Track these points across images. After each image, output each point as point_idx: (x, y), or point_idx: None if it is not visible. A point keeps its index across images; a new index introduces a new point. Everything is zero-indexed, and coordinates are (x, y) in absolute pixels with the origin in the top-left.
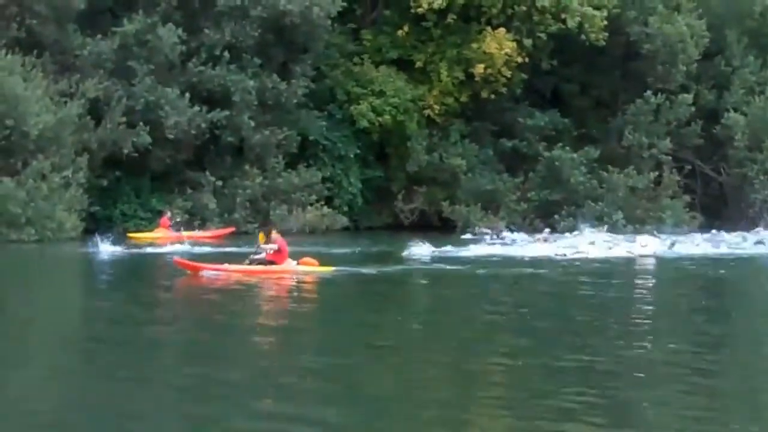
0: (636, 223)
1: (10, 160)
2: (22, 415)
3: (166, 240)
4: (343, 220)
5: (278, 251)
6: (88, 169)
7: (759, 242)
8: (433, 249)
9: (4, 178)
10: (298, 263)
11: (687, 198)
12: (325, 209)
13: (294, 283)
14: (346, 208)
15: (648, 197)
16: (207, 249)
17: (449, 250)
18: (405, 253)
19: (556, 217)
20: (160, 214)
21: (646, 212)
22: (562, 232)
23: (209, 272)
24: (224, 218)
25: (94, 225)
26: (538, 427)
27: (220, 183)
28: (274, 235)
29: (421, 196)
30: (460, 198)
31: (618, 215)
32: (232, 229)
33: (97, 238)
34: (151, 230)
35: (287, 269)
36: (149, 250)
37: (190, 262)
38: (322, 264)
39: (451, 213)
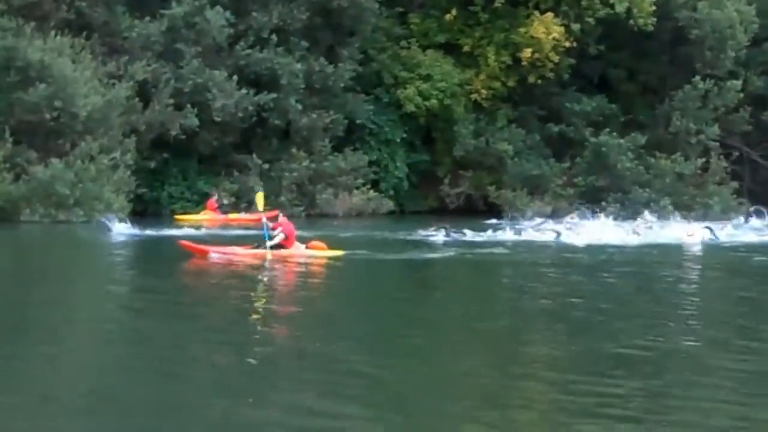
0: (683, 209)
1: (58, 141)
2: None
3: (213, 222)
4: (389, 204)
5: (285, 237)
6: (135, 150)
7: None
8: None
9: (52, 159)
10: (306, 247)
11: (734, 184)
12: (371, 193)
13: (304, 268)
14: (392, 192)
15: (695, 184)
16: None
17: (474, 235)
18: (422, 235)
19: (602, 203)
20: (207, 196)
21: (693, 199)
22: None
23: (216, 255)
24: (270, 201)
25: (142, 206)
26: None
27: (266, 166)
28: (281, 218)
29: (467, 180)
30: (506, 183)
31: (665, 201)
32: (277, 212)
33: (108, 219)
34: (197, 212)
35: (295, 253)
36: (164, 231)
37: (197, 245)
38: (333, 247)
39: (497, 198)
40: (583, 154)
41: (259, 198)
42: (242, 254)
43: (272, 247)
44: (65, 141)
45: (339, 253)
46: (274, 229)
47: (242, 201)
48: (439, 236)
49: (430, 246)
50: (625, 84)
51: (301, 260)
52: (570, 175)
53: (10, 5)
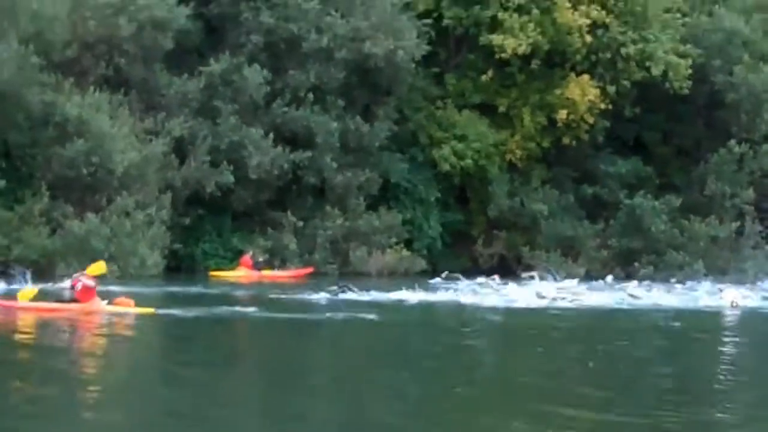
0: (717, 273)
1: (95, 196)
2: None
3: (248, 279)
4: (422, 264)
5: (82, 290)
6: (171, 207)
7: None
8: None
9: (88, 214)
10: (110, 303)
11: None
12: (405, 252)
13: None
14: (425, 252)
15: (730, 247)
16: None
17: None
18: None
19: (635, 265)
20: (241, 253)
21: (727, 262)
22: (642, 280)
23: None
24: (304, 258)
25: (176, 262)
26: None
27: (301, 223)
28: (85, 278)
29: (501, 240)
30: (540, 244)
31: (699, 265)
32: (311, 269)
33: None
34: (232, 269)
35: (97, 309)
36: None
37: None
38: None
39: (530, 259)
40: (617, 216)
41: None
42: (28, 307)
43: (69, 301)
44: (101, 196)
45: (149, 310)
46: (73, 285)
47: (276, 258)
48: (327, 295)
49: (307, 305)
50: (660, 146)
51: (104, 317)
52: (604, 237)
53: (50, 61)
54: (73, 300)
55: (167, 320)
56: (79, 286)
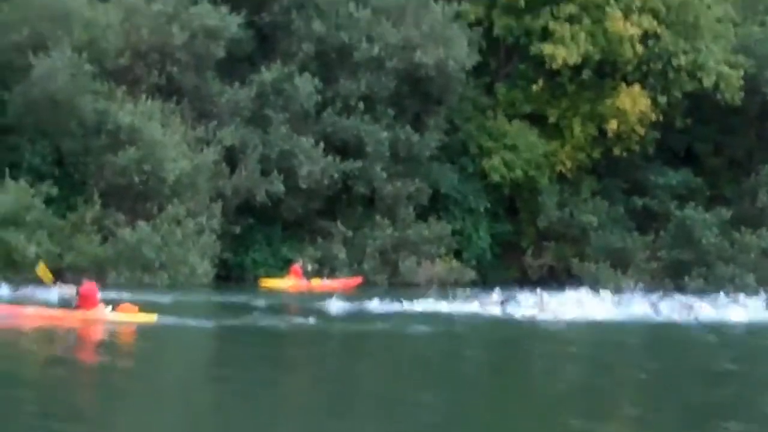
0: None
1: (146, 204)
2: None
3: (297, 288)
4: (471, 274)
5: (84, 296)
6: (221, 215)
7: None
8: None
9: (140, 222)
10: (114, 309)
11: None
12: (454, 262)
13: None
14: (474, 262)
15: None
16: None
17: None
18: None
19: (686, 278)
20: (291, 262)
21: None
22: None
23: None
24: (353, 268)
25: (226, 271)
26: None
27: (350, 233)
28: (86, 283)
29: (550, 252)
30: (589, 255)
31: (749, 278)
32: (360, 279)
33: None
34: (281, 278)
35: (101, 317)
36: None
37: None
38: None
39: (579, 270)
40: (668, 228)
41: (42, 270)
42: (32, 314)
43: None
44: (153, 204)
45: (151, 317)
46: (78, 294)
47: (325, 268)
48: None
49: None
50: (711, 158)
51: (107, 324)
52: (653, 249)
53: (102, 69)
54: (77, 306)
55: (221, 331)
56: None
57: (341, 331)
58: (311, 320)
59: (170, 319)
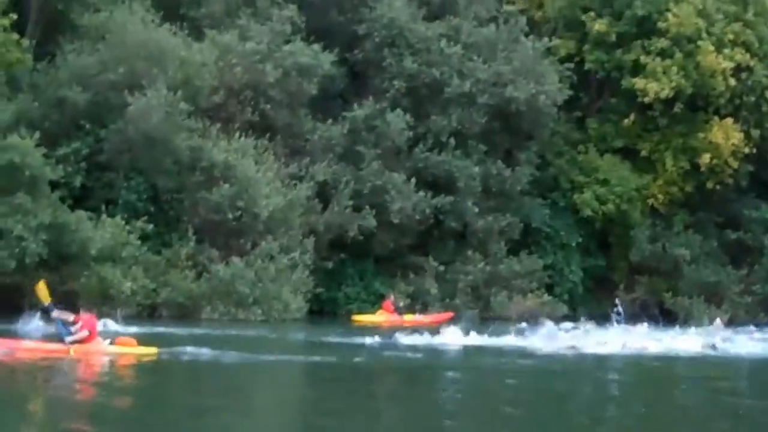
0: None
1: (240, 240)
2: None
3: (390, 323)
4: (563, 309)
5: (88, 333)
6: (314, 251)
7: None
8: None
9: (234, 258)
10: (112, 343)
11: None
12: (546, 297)
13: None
14: (566, 297)
15: None
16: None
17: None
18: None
19: None
20: (383, 297)
21: None
22: None
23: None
24: (445, 303)
25: (319, 306)
26: None
27: (442, 268)
28: (83, 313)
29: (643, 286)
30: (682, 289)
31: None
32: (451, 314)
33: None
34: (373, 313)
35: (100, 350)
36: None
37: None
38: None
39: (672, 304)
40: (762, 262)
41: (41, 289)
42: (31, 348)
43: (71, 343)
44: (246, 240)
45: (152, 350)
46: (75, 322)
47: (417, 303)
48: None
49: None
50: None
51: (106, 357)
52: (748, 283)
53: (197, 107)
54: (74, 336)
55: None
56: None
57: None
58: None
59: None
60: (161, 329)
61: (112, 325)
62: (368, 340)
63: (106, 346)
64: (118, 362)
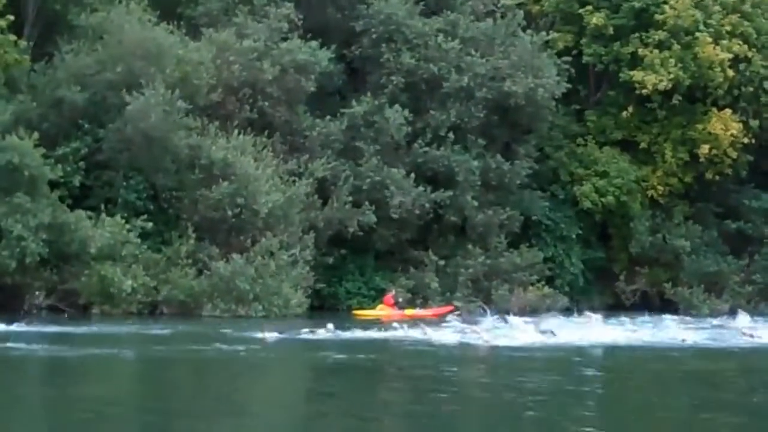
0: None
1: (240, 237)
2: None
3: (390, 317)
4: (564, 301)
5: None
6: (314, 246)
7: None
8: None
9: (234, 255)
10: None
11: None
12: (546, 289)
13: None
14: (567, 289)
15: None
16: None
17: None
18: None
19: None
20: (383, 292)
21: None
22: None
23: None
24: (446, 297)
25: (319, 301)
26: None
27: (442, 262)
28: None
29: (643, 277)
30: (682, 280)
31: None
32: (452, 307)
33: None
34: (374, 308)
35: None
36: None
37: None
38: None
39: (673, 295)
40: (762, 252)
41: None
42: None
43: None
44: (246, 237)
45: None
46: None
47: (417, 297)
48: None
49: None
50: None
51: None
52: (748, 272)
53: (195, 105)
54: None
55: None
56: None
57: None
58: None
59: None
60: None
61: None
62: (267, 335)
63: None
64: None
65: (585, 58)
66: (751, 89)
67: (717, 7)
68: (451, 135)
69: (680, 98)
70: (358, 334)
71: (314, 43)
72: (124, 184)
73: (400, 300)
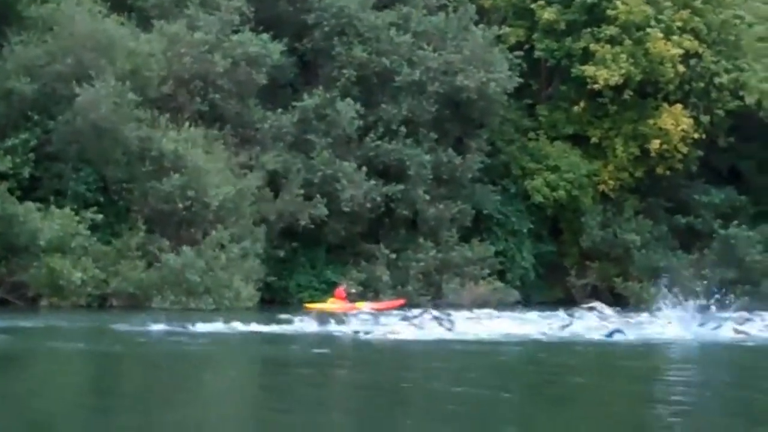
0: None
1: (190, 229)
2: None
3: (341, 310)
4: (515, 295)
5: None
6: (265, 239)
7: None
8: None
9: (184, 248)
10: None
11: None
12: (498, 283)
13: None
14: (518, 283)
15: None
16: None
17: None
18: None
19: (731, 296)
20: (335, 285)
21: None
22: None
23: None
24: (397, 290)
25: (270, 295)
26: None
27: (393, 255)
28: None
29: (594, 271)
30: (632, 274)
31: None
32: (404, 301)
33: None
34: (325, 301)
35: None
36: None
37: None
38: None
39: (623, 289)
40: (712, 246)
41: None
42: None
43: None
44: (197, 230)
45: None
46: None
47: (369, 290)
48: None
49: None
50: (754, 176)
51: None
52: (698, 267)
53: (145, 97)
54: None
55: None
56: None
57: None
58: None
59: None
60: None
61: None
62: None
63: None
64: None
65: (537, 53)
66: (702, 85)
67: (668, 3)
68: (402, 129)
69: (631, 93)
70: None
71: (266, 36)
72: (74, 176)
73: (352, 292)
